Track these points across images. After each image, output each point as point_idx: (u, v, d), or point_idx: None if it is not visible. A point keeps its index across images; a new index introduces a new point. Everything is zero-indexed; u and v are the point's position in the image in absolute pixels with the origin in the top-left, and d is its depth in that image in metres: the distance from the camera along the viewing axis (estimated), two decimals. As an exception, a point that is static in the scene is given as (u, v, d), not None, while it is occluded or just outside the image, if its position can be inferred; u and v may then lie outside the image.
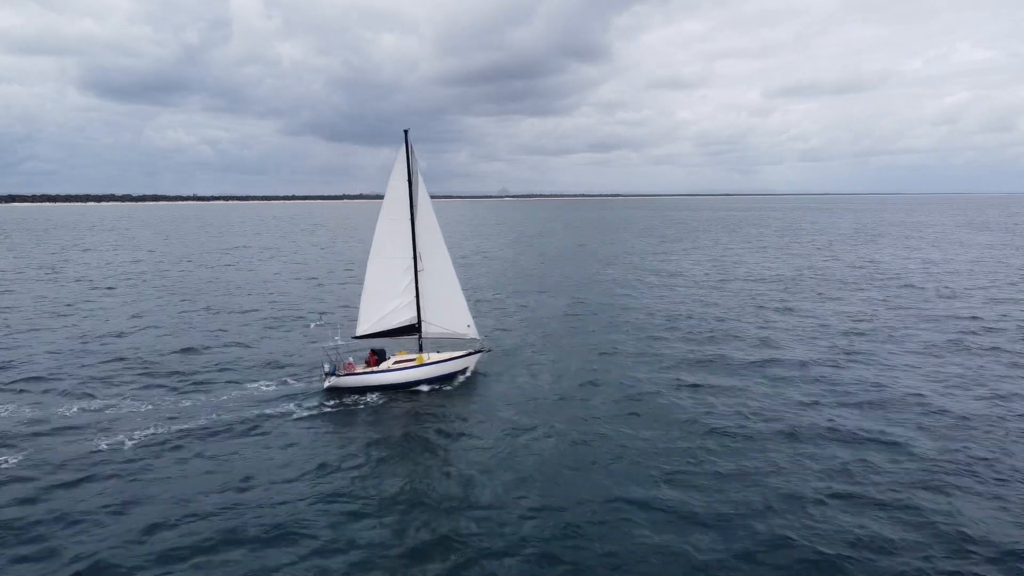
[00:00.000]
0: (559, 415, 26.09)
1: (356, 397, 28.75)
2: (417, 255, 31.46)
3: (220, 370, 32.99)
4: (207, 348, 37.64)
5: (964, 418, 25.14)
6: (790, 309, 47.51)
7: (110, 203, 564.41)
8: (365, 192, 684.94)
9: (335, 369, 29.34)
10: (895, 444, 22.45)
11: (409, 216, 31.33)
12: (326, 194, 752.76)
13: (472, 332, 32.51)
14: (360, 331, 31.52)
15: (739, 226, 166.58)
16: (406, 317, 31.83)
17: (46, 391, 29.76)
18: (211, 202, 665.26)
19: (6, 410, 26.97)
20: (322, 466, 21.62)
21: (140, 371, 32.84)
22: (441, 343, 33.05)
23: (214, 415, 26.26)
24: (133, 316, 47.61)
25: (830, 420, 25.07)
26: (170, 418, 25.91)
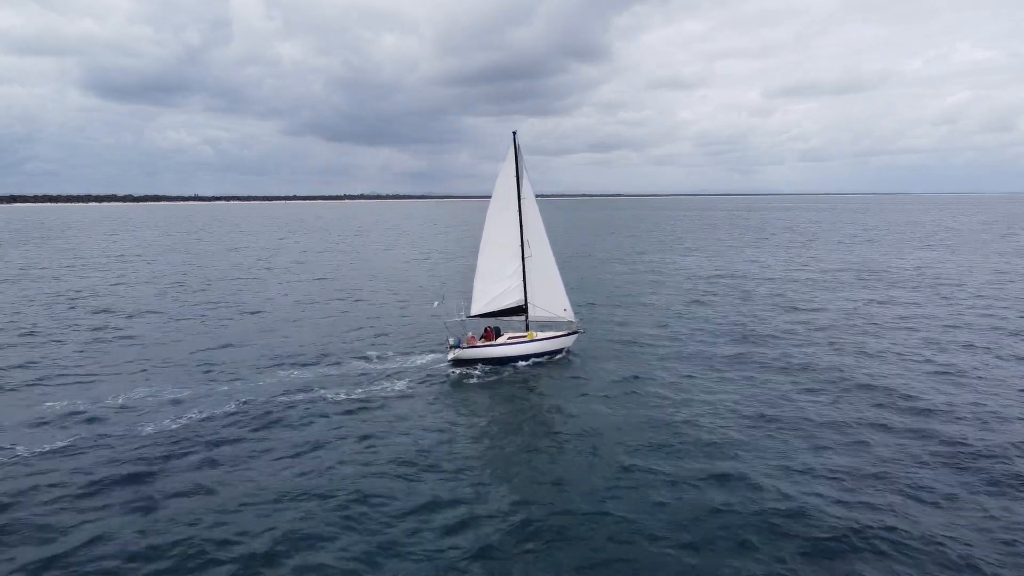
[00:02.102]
0: (644, 387, 29.70)
1: (476, 367, 32.64)
2: (524, 243, 35.26)
3: (357, 344, 37.07)
4: (342, 327, 42.25)
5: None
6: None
7: (111, 203, 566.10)
8: (366, 192, 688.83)
9: (459, 342, 33.18)
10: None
11: (517, 208, 35.11)
12: (327, 194, 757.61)
13: (569, 315, 36.21)
14: (474, 311, 35.30)
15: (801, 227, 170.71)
16: (514, 299, 35.59)
17: (184, 368, 33.56)
18: (212, 202, 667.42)
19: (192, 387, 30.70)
20: (452, 424, 25.13)
21: (280, 351, 36.65)
22: (542, 324, 36.78)
23: (354, 383, 30.09)
24: (266, 300, 51.46)
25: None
26: (311, 386, 29.74)
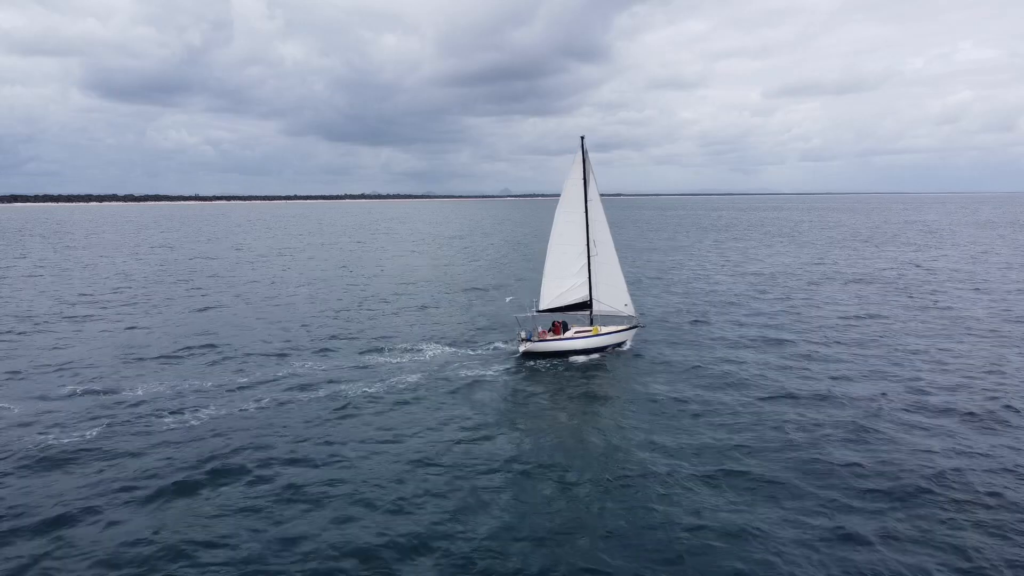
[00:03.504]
0: (697, 378, 31.68)
1: (545, 359, 34.67)
2: (590, 243, 37.17)
3: (433, 333, 39.80)
4: (416, 317, 45.82)
5: None
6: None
7: (113, 203, 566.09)
8: (367, 192, 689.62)
9: (531, 336, 35.12)
10: None
11: (583, 210, 37.04)
12: (328, 194, 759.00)
13: (629, 310, 38.16)
14: (542, 306, 37.21)
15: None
16: (580, 295, 37.52)
17: (265, 355, 35.44)
18: (212, 202, 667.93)
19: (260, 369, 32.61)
20: (525, 411, 27.12)
21: (357, 339, 38.57)
22: (604, 318, 38.72)
23: (431, 372, 32.16)
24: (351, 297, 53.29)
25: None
26: (387, 374, 31.77)
